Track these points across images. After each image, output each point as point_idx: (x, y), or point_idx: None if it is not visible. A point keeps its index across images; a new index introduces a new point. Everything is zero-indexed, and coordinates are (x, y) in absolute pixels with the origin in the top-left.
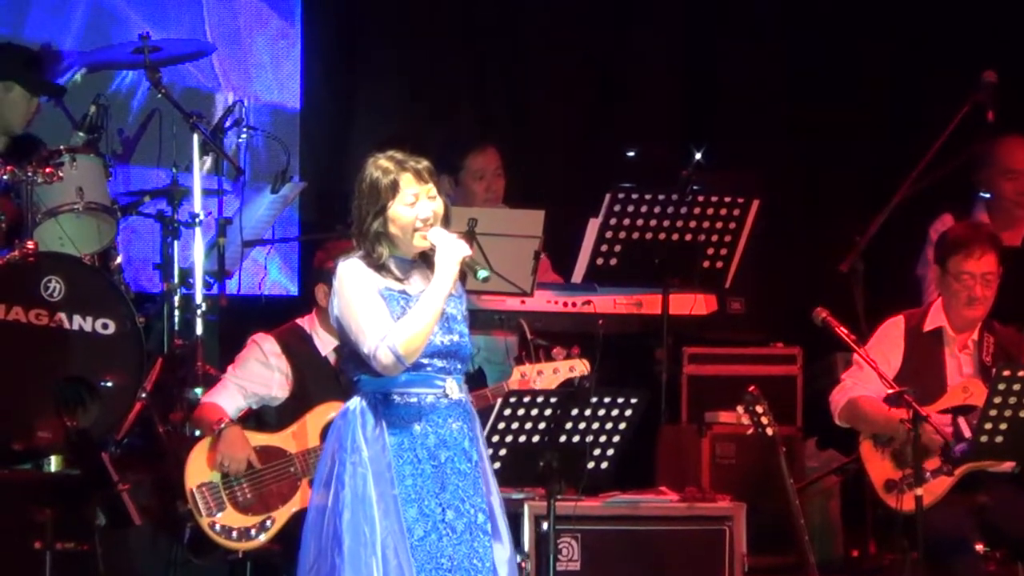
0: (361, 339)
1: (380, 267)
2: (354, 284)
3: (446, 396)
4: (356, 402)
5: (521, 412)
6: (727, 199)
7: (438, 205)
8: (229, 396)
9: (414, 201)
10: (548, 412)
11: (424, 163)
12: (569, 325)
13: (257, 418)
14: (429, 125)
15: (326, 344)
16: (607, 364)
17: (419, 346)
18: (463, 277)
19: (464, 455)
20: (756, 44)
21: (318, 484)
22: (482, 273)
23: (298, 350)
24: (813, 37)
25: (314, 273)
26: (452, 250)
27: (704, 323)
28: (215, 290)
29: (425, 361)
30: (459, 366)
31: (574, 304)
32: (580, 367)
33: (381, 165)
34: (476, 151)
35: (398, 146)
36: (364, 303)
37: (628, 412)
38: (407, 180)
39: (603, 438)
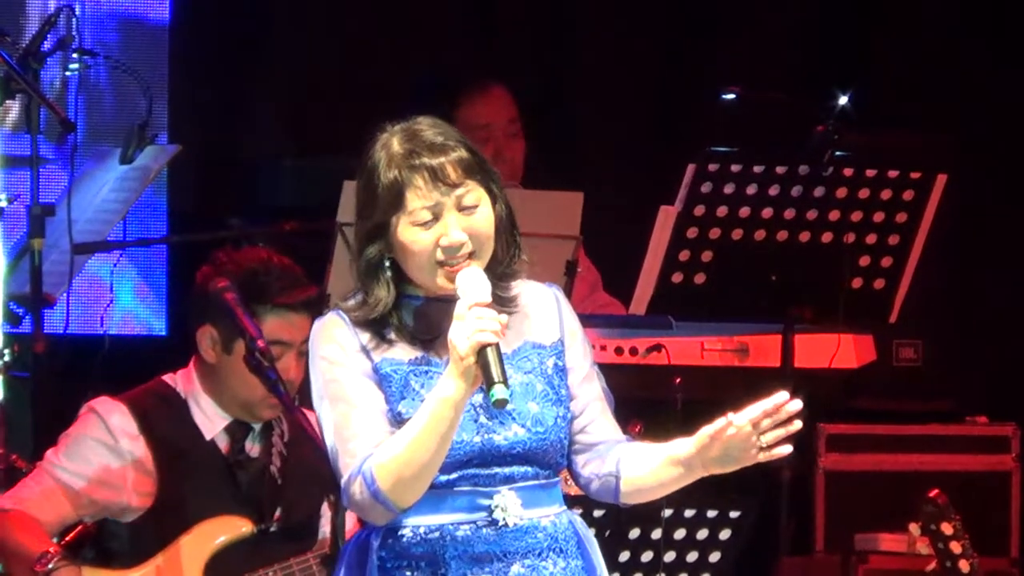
0: (334, 458)
1: (382, 323)
2: (328, 365)
3: (496, 523)
4: (348, 545)
5: None
6: (893, 174)
7: (480, 219)
8: (49, 504)
9: (431, 219)
10: (591, 532)
11: (456, 152)
12: (626, 384)
13: (96, 545)
14: (394, 53)
15: (212, 419)
16: None
17: (416, 486)
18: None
19: None
20: None
21: None
22: (498, 392)
23: (166, 428)
24: None
25: (195, 301)
26: (468, 328)
27: (855, 383)
28: (27, 327)
29: (456, 475)
30: (534, 471)
31: (634, 350)
32: None
33: (386, 151)
34: (474, 94)
35: (424, 105)
36: (343, 400)
37: (725, 533)
38: (418, 187)
39: None
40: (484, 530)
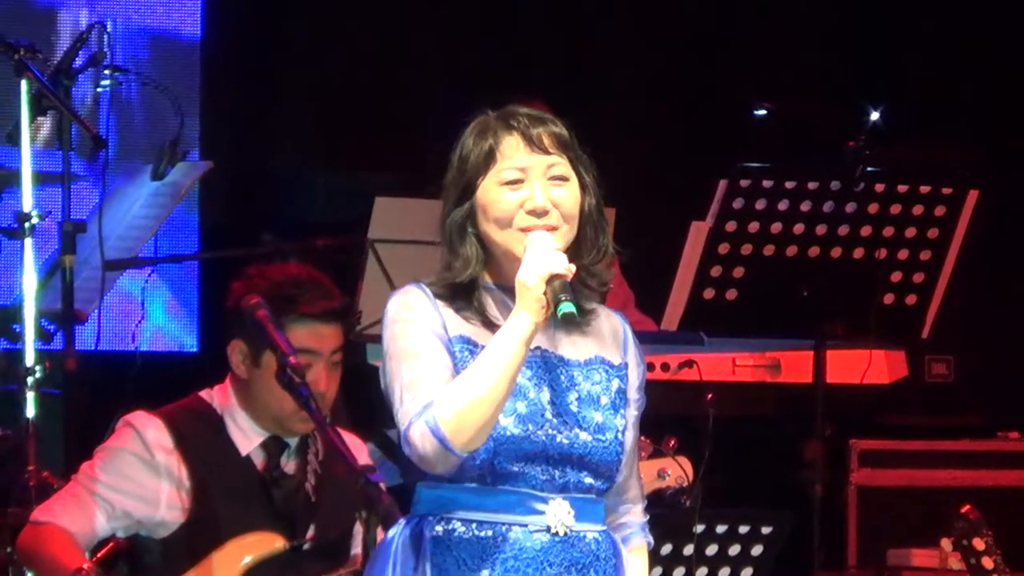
0: (398, 410)
1: (460, 297)
2: (401, 325)
3: (547, 530)
4: (397, 529)
5: None
6: (924, 189)
7: (567, 194)
8: (84, 517)
9: (518, 179)
10: None
11: (555, 127)
12: (658, 400)
13: (130, 560)
14: (427, 69)
15: (248, 435)
16: (722, 466)
17: (478, 425)
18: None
19: None
20: None
21: None
22: (565, 307)
23: (202, 443)
24: None
25: (228, 317)
26: (537, 263)
27: (887, 399)
28: (58, 343)
29: (515, 468)
30: (588, 481)
31: (666, 366)
32: (676, 472)
33: (480, 123)
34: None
35: (524, 100)
36: (411, 353)
37: (757, 549)
38: (511, 146)
39: None
40: (535, 535)
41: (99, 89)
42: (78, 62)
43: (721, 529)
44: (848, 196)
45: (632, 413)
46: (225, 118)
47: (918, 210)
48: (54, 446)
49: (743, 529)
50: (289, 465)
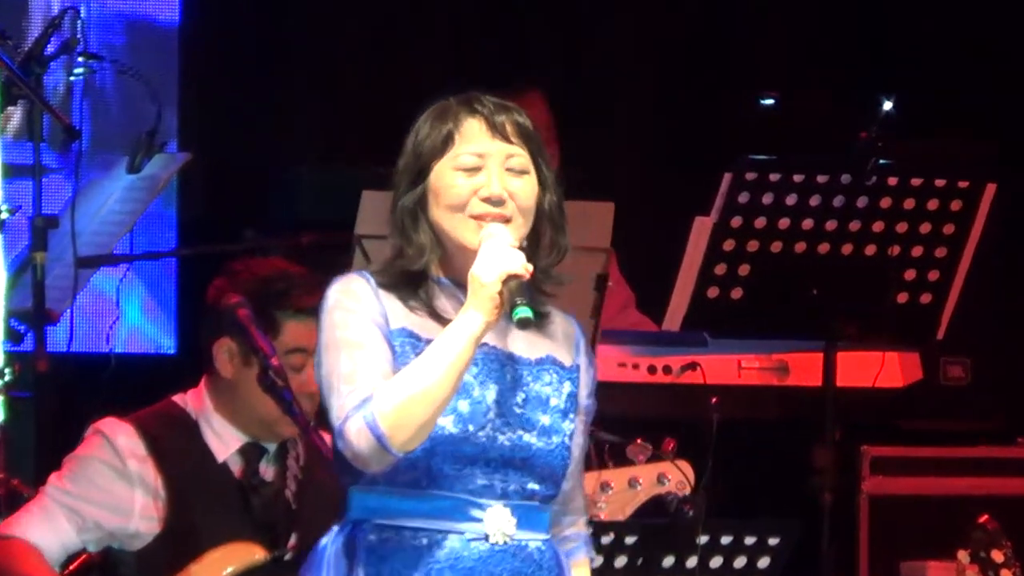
0: (333, 403)
1: (408, 288)
2: (342, 313)
3: (486, 539)
4: (330, 537)
5: None
6: (940, 183)
7: (524, 187)
8: (52, 531)
9: (476, 166)
10: (623, 560)
11: (519, 117)
12: (659, 404)
13: (102, 574)
14: (416, 57)
15: (224, 440)
16: (726, 473)
17: (418, 423)
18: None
19: None
20: None
21: None
22: (521, 311)
23: (176, 450)
24: None
25: (209, 314)
26: (494, 260)
27: (900, 403)
28: (29, 344)
29: (452, 471)
30: (532, 486)
31: (668, 369)
32: (676, 476)
33: (440, 107)
34: (509, 99)
35: (496, 91)
36: (351, 344)
37: (764, 561)
38: (472, 129)
39: None
40: (472, 544)
41: (72, 77)
42: (50, 49)
43: (726, 540)
44: (859, 190)
45: (581, 419)
46: (205, 108)
47: (933, 204)
48: (24, 452)
49: (749, 540)
50: (268, 471)
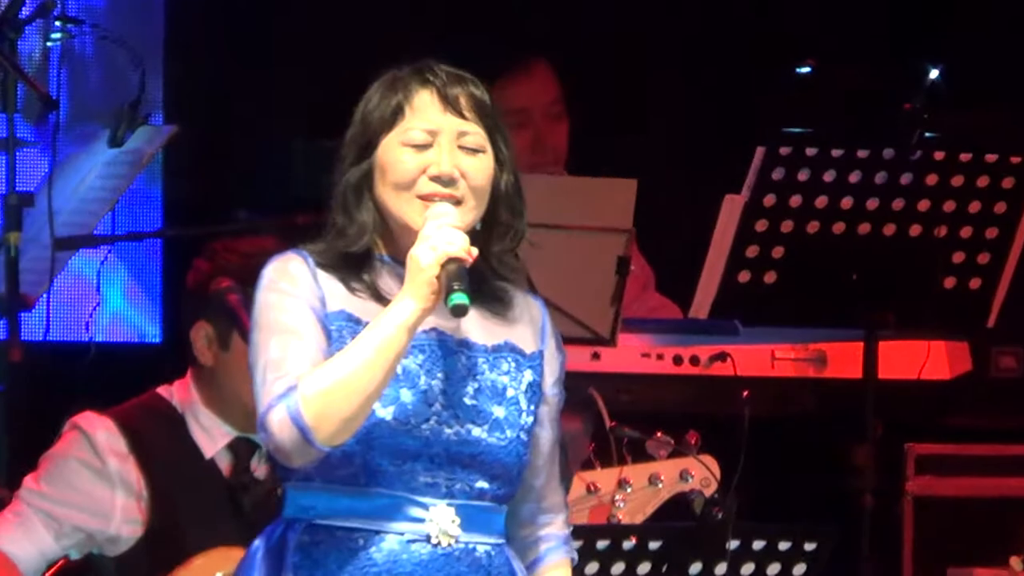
0: (256, 391)
1: (349, 268)
2: (276, 295)
3: (429, 541)
4: (261, 538)
5: (595, 565)
6: (991, 158)
7: (478, 166)
8: (28, 539)
9: (426, 143)
10: (646, 566)
11: (476, 89)
12: (685, 397)
13: None
14: (416, 22)
15: (212, 435)
16: (758, 472)
17: (344, 415)
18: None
19: None
20: None
21: None
22: (456, 297)
23: (160, 447)
24: None
25: (190, 301)
26: (434, 242)
27: (947, 397)
28: (1, 333)
29: (392, 466)
30: (481, 485)
31: (695, 360)
32: (700, 472)
33: (391, 77)
34: (512, 73)
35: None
36: (282, 327)
37: (800, 568)
38: (423, 102)
39: None
40: (413, 547)
41: (49, 43)
42: (25, 12)
43: (758, 546)
44: (903, 166)
45: (546, 409)
46: (193, 77)
47: (983, 181)
48: None
49: (783, 546)
50: (260, 469)
